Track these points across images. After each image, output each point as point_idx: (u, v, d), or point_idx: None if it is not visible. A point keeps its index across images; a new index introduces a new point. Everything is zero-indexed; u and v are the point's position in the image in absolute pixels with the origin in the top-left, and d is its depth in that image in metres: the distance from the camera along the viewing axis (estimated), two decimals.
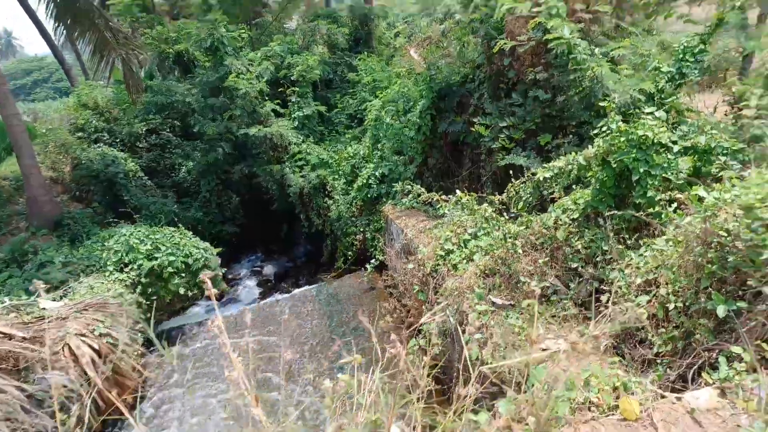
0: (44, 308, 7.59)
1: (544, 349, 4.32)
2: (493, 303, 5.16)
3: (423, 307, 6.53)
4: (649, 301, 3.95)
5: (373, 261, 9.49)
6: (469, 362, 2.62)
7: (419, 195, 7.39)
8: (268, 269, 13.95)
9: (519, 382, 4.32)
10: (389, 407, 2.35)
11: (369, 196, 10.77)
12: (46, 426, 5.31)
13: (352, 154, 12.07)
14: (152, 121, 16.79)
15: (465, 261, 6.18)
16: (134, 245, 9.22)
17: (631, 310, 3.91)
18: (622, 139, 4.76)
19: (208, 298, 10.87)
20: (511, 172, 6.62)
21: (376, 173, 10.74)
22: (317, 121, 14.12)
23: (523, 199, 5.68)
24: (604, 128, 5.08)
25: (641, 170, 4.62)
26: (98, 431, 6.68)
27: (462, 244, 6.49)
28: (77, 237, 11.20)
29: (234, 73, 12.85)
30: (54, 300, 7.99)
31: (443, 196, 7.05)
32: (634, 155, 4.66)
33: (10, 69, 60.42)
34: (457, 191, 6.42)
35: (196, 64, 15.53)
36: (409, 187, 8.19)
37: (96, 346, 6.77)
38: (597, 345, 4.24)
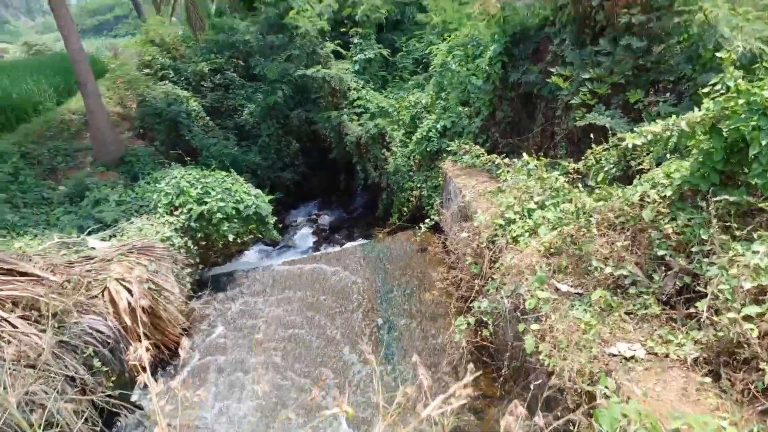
0: (93, 247, 7.56)
1: (614, 354, 3.60)
2: (557, 289, 4.43)
3: (475, 281, 5.88)
4: (761, 315, 3.11)
5: (427, 221, 8.84)
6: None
7: (478, 156, 6.57)
8: (324, 219, 13.68)
9: (581, 390, 3.66)
10: None
11: (428, 150, 10.00)
12: (79, 372, 5.20)
13: (413, 103, 11.22)
14: (216, 61, 16.53)
15: (528, 234, 5.42)
16: (185, 189, 9.02)
17: (736, 323, 3.09)
18: (741, 101, 3.75)
19: (264, 243, 10.72)
20: (591, 133, 5.69)
21: (438, 126, 9.91)
22: (380, 66, 13.26)
23: (605, 169, 4.78)
24: (717, 86, 4.06)
25: (763, 142, 3.62)
26: (135, 376, 6.65)
27: (526, 214, 5.70)
28: (138, 175, 11.26)
29: (295, 9, 12.13)
30: (104, 239, 7.95)
31: (506, 160, 6.21)
32: (755, 122, 3.66)
33: (95, 5, 62.31)
34: (524, 155, 5.56)
35: (263, 1, 14.89)
36: (467, 146, 7.35)
37: (136, 292, 6.63)
38: (683, 355, 3.47)
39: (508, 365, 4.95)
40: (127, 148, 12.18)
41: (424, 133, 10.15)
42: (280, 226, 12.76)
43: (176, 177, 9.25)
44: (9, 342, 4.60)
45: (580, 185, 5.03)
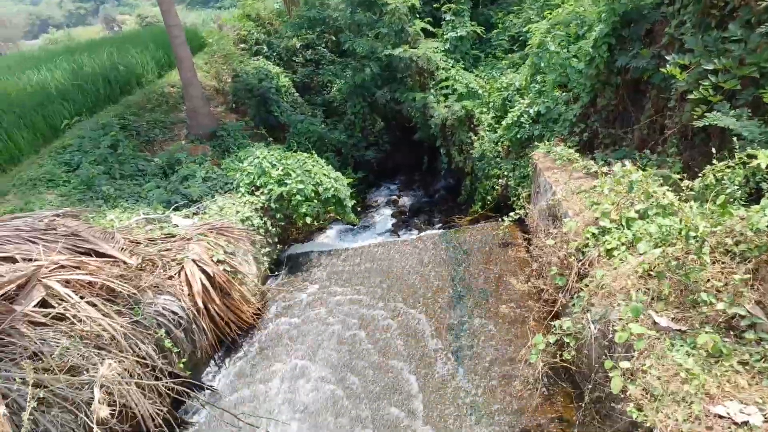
0: (176, 225, 7.77)
1: (721, 416, 3.01)
2: (655, 322, 3.82)
3: (559, 294, 5.32)
4: None
5: (512, 214, 8.25)
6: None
7: (570, 161, 5.86)
8: (405, 200, 13.40)
9: None
10: None
11: (518, 136, 9.31)
12: (150, 354, 5.32)
13: (505, 85, 10.48)
14: (307, 36, 16.54)
15: (624, 248, 4.77)
16: (266, 169, 9.05)
17: None
18: None
19: (349, 223, 10.60)
20: (709, 132, 4.86)
21: (530, 111, 9.17)
22: (472, 44, 12.52)
23: (727, 191, 4.00)
24: None
25: None
26: (206, 357, 6.79)
27: (624, 224, 5.03)
28: (229, 149, 11.56)
29: None
30: (187, 216, 8.16)
31: (605, 168, 5.48)
32: None
33: None
34: (626, 163, 4.83)
35: None
36: (558, 148, 6.65)
37: (211, 273, 6.72)
38: None
39: (590, 395, 4.43)
40: (219, 123, 12.49)
41: (515, 118, 9.46)
42: (361, 206, 12.68)
43: (259, 157, 9.30)
44: (81, 321, 4.74)
45: (692, 202, 4.28)
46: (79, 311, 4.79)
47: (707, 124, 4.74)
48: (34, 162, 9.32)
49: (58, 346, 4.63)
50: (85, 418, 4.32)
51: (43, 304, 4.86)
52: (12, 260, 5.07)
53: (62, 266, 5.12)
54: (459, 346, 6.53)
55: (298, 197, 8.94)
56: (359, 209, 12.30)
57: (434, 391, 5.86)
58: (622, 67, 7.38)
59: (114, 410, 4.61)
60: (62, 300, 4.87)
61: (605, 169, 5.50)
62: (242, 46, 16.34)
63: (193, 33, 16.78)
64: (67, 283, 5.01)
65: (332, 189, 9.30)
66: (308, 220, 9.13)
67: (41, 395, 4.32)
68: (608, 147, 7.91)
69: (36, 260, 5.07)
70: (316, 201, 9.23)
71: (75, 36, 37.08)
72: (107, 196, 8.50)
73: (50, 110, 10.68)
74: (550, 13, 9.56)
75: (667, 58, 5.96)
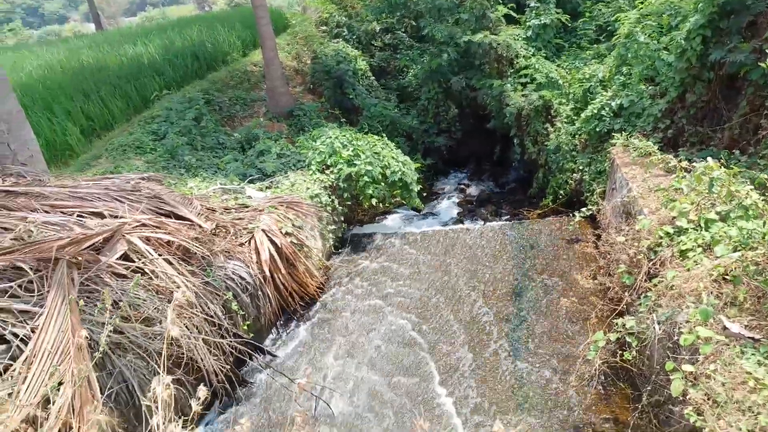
0: (249, 196, 8.13)
1: None
2: (725, 328, 3.61)
3: (625, 293, 5.11)
4: None
5: (584, 209, 7.98)
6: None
7: (648, 154, 5.57)
8: (473, 189, 13.24)
9: None
10: None
11: (597, 130, 8.94)
12: (217, 314, 5.64)
13: (588, 76, 10.07)
14: (387, 20, 16.58)
15: (700, 250, 4.51)
16: (337, 149, 9.25)
17: None
18: None
19: (412, 208, 10.66)
20: None
21: (612, 103, 8.77)
22: (556, 32, 12.09)
23: None
24: None
25: None
26: (269, 324, 7.09)
27: (702, 225, 4.75)
28: (304, 128, 11.90)
29: None
30: (260, 189, 8.51)
31: (684, 163, 5.18)
32: None
33: None
34: (709, 159, 4.53)
35: None
36: (636, 141, 6.33)
37: (279, 244, 6.99)
38: None
39: (648, 397, 4.27)
40: (297, 102, 12.86)
41: (595, 111, 9.09)
42: (427, 192, 12.66)
43: (331, 137, 9.51)
44: (158, 277, 5.10)
45: None
46: (156, 267, 5.16)
47: None
48: (125, 129, 10.02)
49: (137, 298, 5.02)
50: (155, 366, 4.66)
51: (126, 258, 5.26)
52: (100, 215, 5.53)
53: (144, 225, 5.52)
54: (516, 337, 6.45)
55: (366, 178, 9.08)
56: (426, 196, 12.29)
57: (486, 380, 5.82)
58: (717, 62, 6.93)
59: (181, 361, 4.95)
60: (142, 256, 5.26)
61: (685, 164, 5.18)
62: (323, 28, 16.64)
63: (277, 14, 17.28)
64: (147, 240, 5.40)
65: (399, 172, 9.36)
66: (374, 201, 9.26)
67: (119, 340, 4.71)
68: (694, 146, 7.46)
69: (121, 217, 5.50)
70: (382, 183, 9.34)
71: (169, 14, 39.22)
72: (189, 165, 9.01)
73: (142, 82, 11.42)
74: (642, 3, 9.06)
75: None
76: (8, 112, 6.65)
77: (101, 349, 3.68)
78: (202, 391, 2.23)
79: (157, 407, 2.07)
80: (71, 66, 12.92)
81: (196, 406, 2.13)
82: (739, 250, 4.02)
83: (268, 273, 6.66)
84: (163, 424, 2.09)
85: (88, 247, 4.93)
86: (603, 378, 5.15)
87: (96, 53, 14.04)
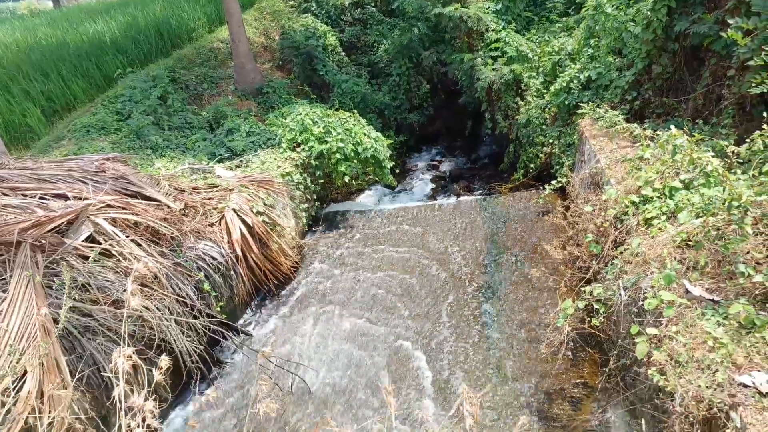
0: (218, 176, 8.00)
1: (746, 385, 2.96)
2: (687, 291, 3.72)
3: (593, 262, 5.23)
4: None
5: (554, 182, 8.08)
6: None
7: (614, 124, 5.65)
8: (446, 166, 13.30)
9: (694, 419, 3.08)
10: None
11: (566, 103, 9.01)
12: (189, 294, 5.59)
13: (557, 49, 10.11)
14: None
15: (665, 218, 4.63)
16: (308, 126, 9.14)
17: None
18: None
19: (385, 185, 10.63)
20: None
21: (581, 76, 8.83)
22: (526, 5, 12.08)
23: None
24: None
25: None
26: (243, 304, 7.06)
27: (666, 193, 4.86)
28: (273, 105, 11.70)
29: None
30: (230, 168, 8.37)
31: (647, 132, 5.26)
32: None
33: None
34: (672, 127, 4.62)
35: None
36: (601, 110, 6.42)
37: (250, 223, 6.92)
38: None
39: (615, 361, 4.40)
40: (266, 79, 12.61)
41: (564, 84, 9.14)
42: (400, 169, 12.65)
43: (301, 114, 9.38)
44: (126, 259, 5.01)
45: (738, 171, 4.08)
46: (124, 248, 5.06)
47: (766, 91, 4.47)
48: (88, 110, 9.71)
49: (106, 280, 4.93)
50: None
51: (92, 240, 5.14)
52: (64, 197, 5.37)
53: (110, 206, 5.39)
54: (489, 308, 6.56)
55: (338, 155, 9.01)
56: (399, 173, 12.28)
57: (459, 349, 5.93)
58: (681, 33, 7.00)
59: (153, 343, 4.90)
60: (109, 237, 5.14)
61: (649, 132, 5.28)
62: (291, 2, 16.27)
63: None
64: (114, 222, 5.28)
65: (372, 149, 9.31)
66: (347, 179, 9.21)
67: (88, 324, 4.63)
68: (660, 116, 7.59)
69: (86, 199, 5.35)
70: (355, 161, 9.29)
71: None
72: (155, 145, 8.80)
73: (104, 61, 11.06)
74: None
75: (730, 22, 5.60)
76: None
77: (60, 326, 3.61)
78: (164, 361, 2.21)
79: (117, 379, 2.03)
80: (28, 44, 12.40)
81: (158, 376, 2.11)
82: (701, 217, 4.13)
83: (240, 252, 6.60)
84: (126, 396, 2.07)
85: (51, 229, 4.81)
86: (572, 344, 5.28)
87: (54, 31, 13.49)
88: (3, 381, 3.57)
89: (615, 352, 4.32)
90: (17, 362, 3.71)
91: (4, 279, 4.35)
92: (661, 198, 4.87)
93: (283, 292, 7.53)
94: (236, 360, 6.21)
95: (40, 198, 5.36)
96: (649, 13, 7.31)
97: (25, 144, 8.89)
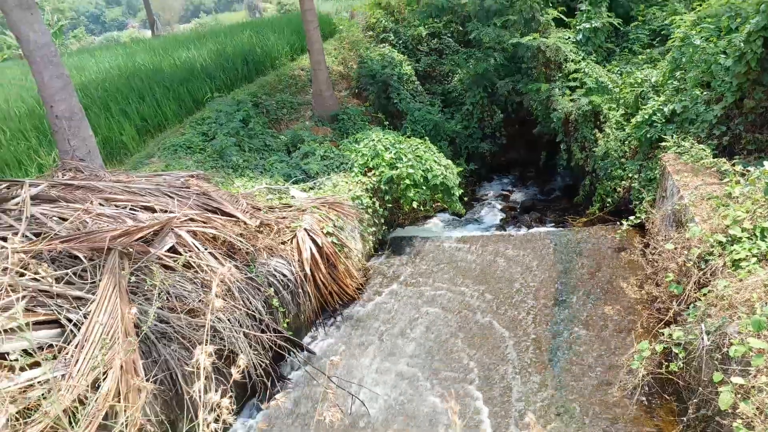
0: (293, 196, 8.29)
1: None
2: None
3: (673, 303, 4.93)
4: None
5: (632, 217, 7.75)
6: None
7: (699, 159, 5.36)
8: (517, 195, 13.07)
9: None
10: None
11: (648, 136, 8.65)
12: (259, 309, 5.77)
13: (639, 81, 9.77)
14: (434, 24, 16.61)
15: (755, 260, 4.31)
16: (380, 152, 9.32)
17: None
18: None
19: (450, 213, 10.62)
20: None
21: (665, 109, 8.47)
22: (607, 36, 11.80)
23: None
24: None
25: None
26: (309, 322, 7.19)
27: (758, 234, 4.53)
28: (347, 131, 12.05)
29: None
30: (304, 190, 8.66)
31: (738, 167, 4.95)
32: None
33: None
34: (765, 163, 4.33)
35: None
36: (686, 143, 6.11)
37: (320, 243, 7.09)
38: None
39: (695, 411, 4.09)
40: (342, 106, 13.03)
41: (647, 117, 8.80)
42: (470, 198, 12.57)
43: (374, 140, 9.60)
44: (204, 270, 5.27)
45: None
46: (202, 260, 5.33)
47: None
48: (177, 130, 10.41)
49: (184, 290, 5.20)
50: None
51: (174, 251, 5.46)
52: (152, 210, 5.76)
53: (192, 219, 5.72)
54: (558, 345, 6.31)
55: (407, 181, 9.10)
56: (468, 201, 12.20)
57: (527, 388, 5.72)
58: None
59: (222, 353, 5.09)
60: (189, 249, 5.44)
61: (739, 168, 4.96)
62: (370, 33, 16.80)
63: (325, 19, 17.57)
64: (195, 234, 5.59)
65: (441, 176, 9.34)
66: (414, 205, 9.27)
67: (164, 330, 4.89)
68: (751, 153, 7.14)
69: (171, 212, 5.71)
70: (424, 187, 9.34)
71: (221, 20, 40.57)
72: (236, 165, 9.27)
73: (194, 85, 11.85)
74: (701, 5, 8.74)
75: None
76: (70, 110, 7.03)
77: (147, 326, 3.83)
78: (242, 359, 2.31)
79: (198, 375, 2.14)
80: (128, 69, 13.54)
81: (235, 374, 2.20)
82: None
83: (308, 271, 6.77)
84: (204, 393, 2.17)
85: (139, 238, 5.15)
86: (647, 389, 4.97)
87: (151, 57, 14.67)
88: (93, 372, 3.82)
89: (695, 400, 4.02)
90: (104, 357, 3.97)
91: (94, 282, 4.69)
92: (752, 239, 4.55)
93: (347, 313, 7.60)
94: (298, 376, 6.31)
95: (131, 209, 5.77)
96: (742, 44, 6.96)
97: (119, 159, 9.63)
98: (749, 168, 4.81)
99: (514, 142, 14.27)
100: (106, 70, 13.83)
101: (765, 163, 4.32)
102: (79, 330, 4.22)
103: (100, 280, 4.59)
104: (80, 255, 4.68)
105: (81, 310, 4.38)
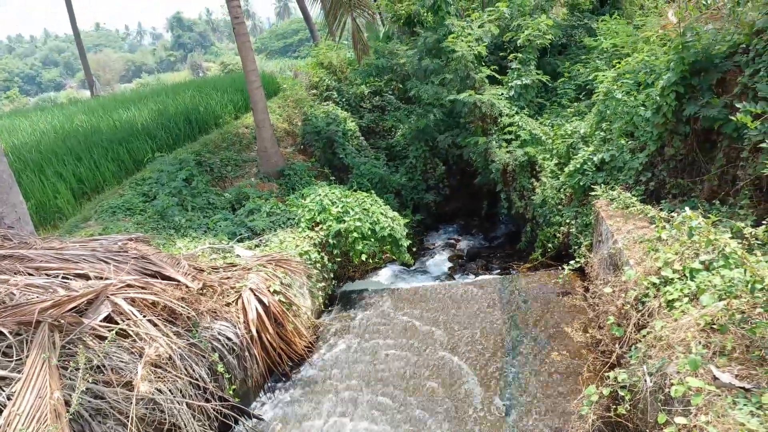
0: (238, 255, 8.11)
1: None
2: (715, 378, 3.57)
3: (616, 345, 5.07)
4: None
5: (572, 262, 8.00)
6: None
7: (627, 207, 5.70)
8: (463, 244, 13.31)
9: None
10: None
11: (581, 184, 9.11)
12: (202, 376, 5.50)
13: (570, 132, 10.38)
14: (375, 83, 17.20)
15: (687, 300, 4.52)
16: (327, 206, 9.35)
17: None
18: None
19: (402, 264, 10.64)
20: None
21: (594, 158, 8.99)
22: (537, 92, 12.55)
23: None
24: None
25: None
26: (256, 386, 6.90)
27: (687, 275, 4.79)
28: (294, 187, 12.06)
29: (454, 33, 12.02)
30: (249, 248, 8.50)
31: (662, 213, 5.28)
32: None
33: (282, 29, 69.87)
34: (686, 209, 4.65)
35: (425, 26, 15.08)
36: (614, 192, 6.50)
37: (267, 302, 6.92)
38: None
39: None
40: (288, 162, 13.08)
41: (578, 165, 9.29)
42: (417, 248, 12.69)
43: (320, 195, 9.64)
44: (142, 340, 5.01)
45: (758, 252, 4.04)
46: (140, 329, 5.07)
47: None
48: (116, 191, 10.09)
49: (120, 361, 4.91)
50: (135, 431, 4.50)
51: (110, 320, 5.18)
52: (86, 277, 5.48)
53: (130, 285, 5.47)
54: (508, 395, 6.31)
55: (355, 234, 9.13)
56: (416, 251, 12.33)
57: None
58: (691, 116, 7.17)
59: (163, 427, 4.78)
60: (127, 318, 5.18)
61: (663, 214, 5.28)
62: (314, 92, 17.18)
63: (269, 79, 17.85)
64: (132, 301, 5.33)
65: (389, 228, 9.43)
66: (363, 257, 9.27)
67: (99, 406, 4.56)
68: (676, 197, 7.61)
69: (107, 278, 5.45)
70: (372, 239, 9.39)
71: (164, 80, 40.43)
72: (178, 225, 9.04)
73: (135, 145, 11.61)
74: (620, 62, 9.49)
75: (738, 106, 5.75)
76: None
77: (71, 410, 3.56)
78: None
79: None
80: (64, 130, 13.16)
81: None
82: (724, 299, 4.04)
83: (255, 333, 6.55)
84: None
85: (71, 309, 4.86)
86: None
87: (90, 118, 14.34)
88: None
89: None
90: None
91: (20, 359, 4.36)
92: (682, 279, 4.80)
93: (298, 374, 7.36)
94: None
95: (63, 278, 5.46)
96: (658, 98, 7.54)
97: (53, 224, 9.19)
98: (674, 213, 5.13)
99: (457, 192, 14.69)
100: (42, 132, 13.39)
101: (686, 209, 4.63)
102: (1, 414, 3.88)
103: (27, 357, 4.28)
104: (4, 330, 4.36)
105: (4, 391, 4.04)
